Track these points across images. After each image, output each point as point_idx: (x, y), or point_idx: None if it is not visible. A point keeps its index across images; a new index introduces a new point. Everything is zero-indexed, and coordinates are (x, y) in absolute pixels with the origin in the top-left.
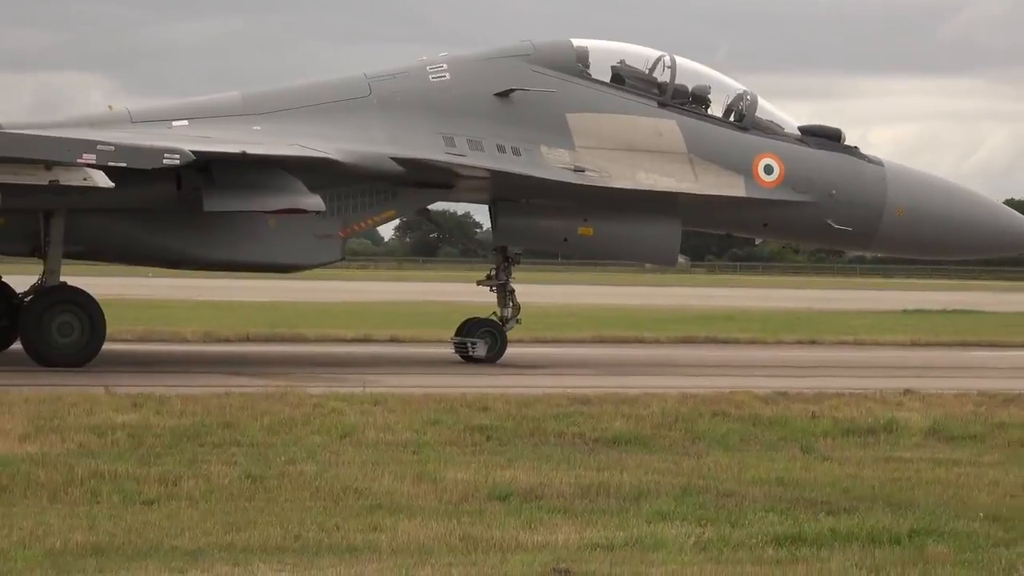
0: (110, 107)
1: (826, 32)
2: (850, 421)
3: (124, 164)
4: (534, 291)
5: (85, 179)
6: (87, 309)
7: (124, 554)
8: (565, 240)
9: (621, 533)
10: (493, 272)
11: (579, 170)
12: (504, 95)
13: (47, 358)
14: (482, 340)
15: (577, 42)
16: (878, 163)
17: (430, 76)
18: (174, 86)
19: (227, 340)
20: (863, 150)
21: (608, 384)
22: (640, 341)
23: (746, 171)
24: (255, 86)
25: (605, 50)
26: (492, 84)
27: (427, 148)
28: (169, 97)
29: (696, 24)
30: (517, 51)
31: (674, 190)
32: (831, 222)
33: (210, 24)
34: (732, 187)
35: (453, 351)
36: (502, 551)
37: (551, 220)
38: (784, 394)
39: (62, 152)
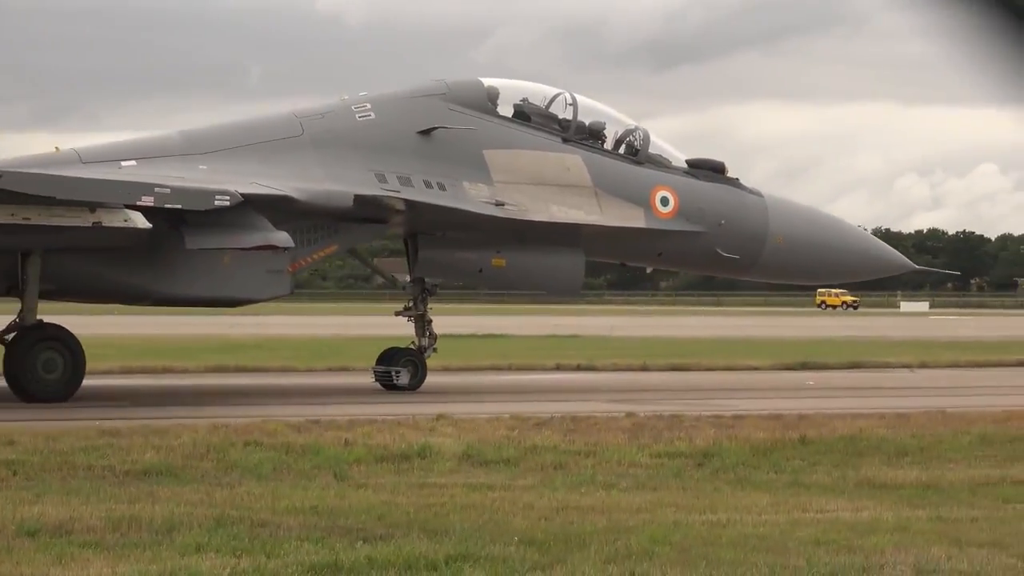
0: (56, 148)
1: (361, 55)
2: (384, 447)
3: (180, 206)
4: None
5: (126, 221)
6: (69, 345)
7: None
8: (480, 271)
9: (154, 567)
10: (410, 303)
11: (499, 204)
12: (426, 133)
13: (32, 394)
14: (405, 369)
15: (487, 81)
16: (758, 194)
17: (356, 115)
18: None
19: None
20: None
21: (139, 415)
22: (169, 371)
23: (645, 203)
24: (190, 125)
25: (509, 88)
26: (414, 122)
27: (366, 184)
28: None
29: (228, 46)
30: (432, 90)
31: (583, 222)
32: (720, 250)
33: None
34: (633, 219)
35: (374, 380)
36: None
37: (468, 252)
38: (316, 422)
39: (123, 195)
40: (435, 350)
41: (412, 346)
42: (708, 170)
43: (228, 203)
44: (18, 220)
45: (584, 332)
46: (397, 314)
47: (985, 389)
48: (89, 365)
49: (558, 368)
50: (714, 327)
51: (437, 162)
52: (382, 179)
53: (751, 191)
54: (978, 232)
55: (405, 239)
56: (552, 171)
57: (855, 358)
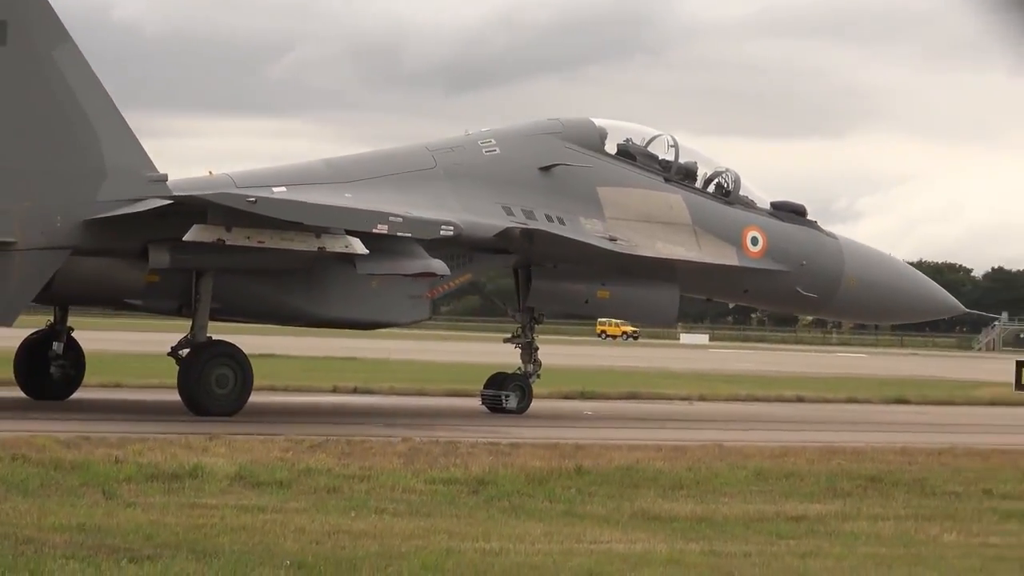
0: (210, 172)
1: (158, 67)
2: (154, 466)
3: (409, 234)
4: None
5: (346, 246)
6: (240, 361)
7: None
8: (586, 302)
9: None
10: (519, 331)
11: (612, 239)
12: (546, 169)
13: (205, 408)
14: (514, 393)
15: (597, 121)
16: (833, 237)
17: (483, 150)
18: None
19: None
20: None
21: None
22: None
23: (737, 242)
24: (332, 155)
25: (615, 128)
26: (535, 158)
27: (496, 216)
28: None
29: None
30: (549, 128)
31: (684, 258)
32: (800, 289)
33: None
34: (727, 257)
35: (481, 403)
36: None
37: (577, 284)
38: (87, 438)
39: (362, 222)
40: (539, 376)
41: (518, 372)
42: (791, 212)
43: (452, 233)
44: (254, 243)
45: (362, 355)
46: (505, 341)
47: (762, 424)
48: None
49: (335, 390)
50: (494, 353)
51: (556, 197)
52: (509, 212)
53: (827, 234)
54: None
55: (515, 269)
56: (657, 209)
57: (634, 389)
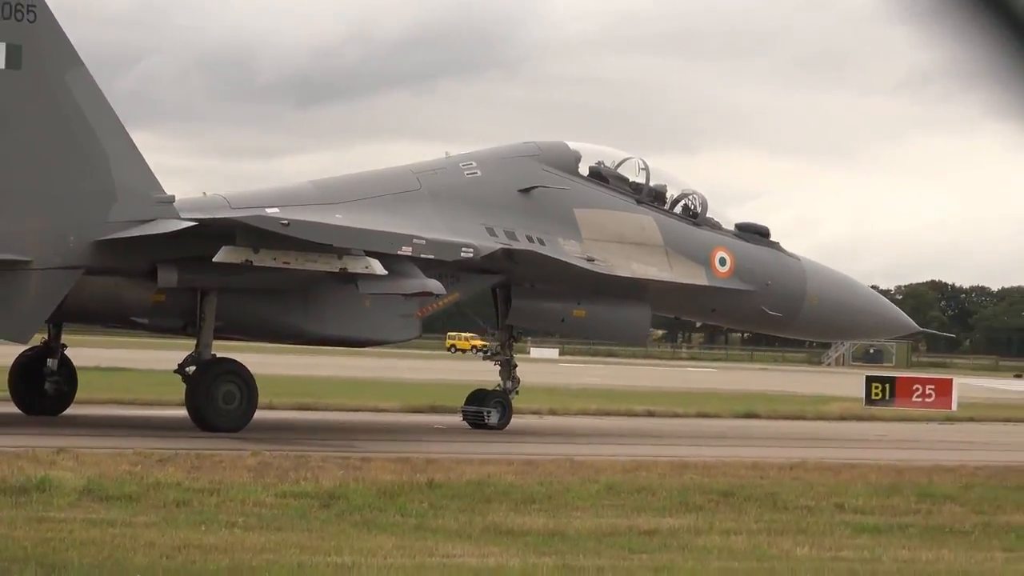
0: (204, 193)
1: None
2: (1, 480)
3: (432, 256)
4: None
5: (366, 267)
6: (245, 379)
7: None
8: (562, 321)
9: None
10: (497, 348)
11: (590, 259)
12: (525, 191)
13: (212, 424)
14: (495, 409)
15: (572, 144)
16: (796, 258)
17: (464, 172)
18: None
19: None
20: None
21: None
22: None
23: (706, 263)
24: (319, 176)
25: (588, 151)
26: (515, 181)
27: (482, 237)
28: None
29: None
30: (526, 151)
31: (657, 278)
32: (765, 308)
33: None
34: (697, 277)
35: (462, 419)
36: None
37: (554, 303)
38: None
39: (387, 244)
40: (517, 392)
41: (498, 388)
42: (755, 234)
43: (472, 255)
44: (279, 264)
45: None
46: (485, 359)
47: (613, 438)
48: None
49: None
50: (343, 367)
51: (535, 218)
52: (491, 232)
53: (789, 255)
54: None
55: (494, 289)
56: (631, 230)
57: None
